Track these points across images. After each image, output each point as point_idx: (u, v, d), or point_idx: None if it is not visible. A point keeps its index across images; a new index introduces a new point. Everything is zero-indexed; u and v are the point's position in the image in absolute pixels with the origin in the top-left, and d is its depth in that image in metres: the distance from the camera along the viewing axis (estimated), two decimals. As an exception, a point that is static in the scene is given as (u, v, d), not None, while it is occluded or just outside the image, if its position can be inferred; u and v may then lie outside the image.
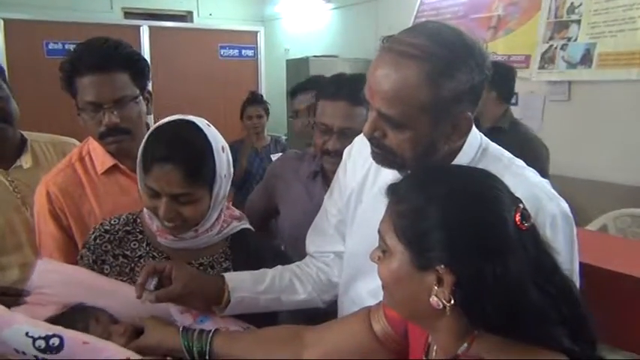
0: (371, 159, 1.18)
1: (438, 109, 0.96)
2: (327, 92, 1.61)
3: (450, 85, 0.94)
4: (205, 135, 1.18)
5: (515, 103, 3.88)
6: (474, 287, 0.73)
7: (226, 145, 1.24)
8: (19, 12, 4.29)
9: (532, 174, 1.07)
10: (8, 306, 1.11)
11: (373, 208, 1.21)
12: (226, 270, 1.30)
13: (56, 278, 1.21)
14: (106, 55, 1.39)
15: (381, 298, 1.19)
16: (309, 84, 2.52)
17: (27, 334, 1.01)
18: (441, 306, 0.75)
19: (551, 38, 3.69)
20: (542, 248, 0.77)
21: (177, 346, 1.09)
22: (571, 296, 0.76)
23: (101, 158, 1.50)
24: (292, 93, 2.62)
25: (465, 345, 0.77)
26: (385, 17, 5.38)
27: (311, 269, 1.37)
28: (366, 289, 1.24)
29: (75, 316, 1.13)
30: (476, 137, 1.09)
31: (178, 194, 1.14)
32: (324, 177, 1.69)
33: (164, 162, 1.13)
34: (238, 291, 1.21)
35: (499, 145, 1.15)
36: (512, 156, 1.12)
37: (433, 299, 0.75)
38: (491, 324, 0.74)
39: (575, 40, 3.56)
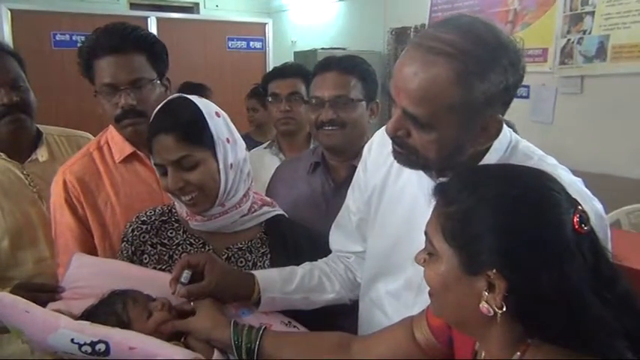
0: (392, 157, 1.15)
1: (468, 111, 0.91)
2: (317, 69, 1.68)
3: (482, 87, 0.89)
4: (193, 102, 1.23)
5: (527, 96, 3.85)
6: (528, 294, 0.70)
7: (223, 113, 1.26)
8: (26, 2, 4.26)
9: (565, 173, 1.02)
10: (44, 303, 1.11)
11: (394, 208, 1.20)
12: (264, 255, 1.31)
13: (91, 272, 1.22)
14: (123, 36, 1.40)
15: (401, 299, 1.18)
16: None
17: (72, 340, 1.00)
18: (492, 313, 0.72)
19: (568, 32, 3.64)
20: (602, 253, 0.74)
21: (225, 337, 1.07)
22: (633, 307, 0.72)
23: (120, 146, 1.50)
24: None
25: (518, 354, 0.74)
26: (394, 9, 5.33)
27: (339, 267, 1.35)
28: (386, 290, 1.23)
29: (112, 299, 1.13)
30: (505, 134, 1.05)
31: (178, 159, 1.17)
32: (325, 168, 1.69)
33: (158, 134, 1.18)
34: (269, 291, 1.19)
35: None
36: (543, 153, 1.08)
37: (483, 305, 0.72)
38: (547, 332, 0.71)
39: (590, 32, 3.51)
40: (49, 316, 1.05)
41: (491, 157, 1.02)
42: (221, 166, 1.21)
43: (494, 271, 0.71)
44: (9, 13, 3.86)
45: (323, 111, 1.60)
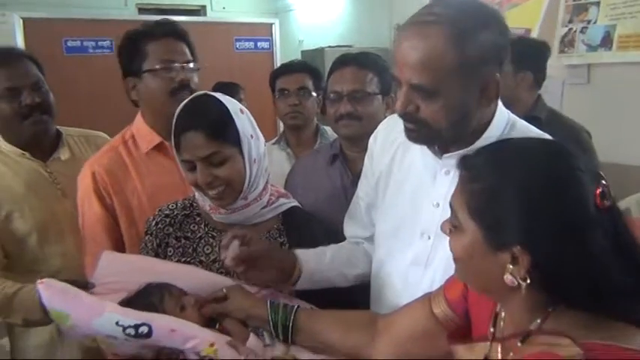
0: (398, 141, 1.23)
1: (466, 70, 0.99)
2: (335, 65, 1.77)
3: (474, 46, 0.98)
4: (219, 100, 1.27)
5: (534, 88, 3.86)
6: (551, 267, 0.73)
7: (246, 110, 1.31)
8: (37, 10, 4.33)
9: None
10: None
11: (400, 188, 1.26)
12: (282, 245, 1.35)
13: (120, 268, 1.26)
14: (173, 26, 1.57)
15: (409, 275, 1.21)
16: None
17: (117, 322, 1.05)
18: (516, 284, 0.75)
19: (570, 21, 3.65)
20: (622, 224, 0.76)
21: (263, 314, 1.14)
22: None
23: (148, 137, 1.57)
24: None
25: (538, 321, 0.77)
26: (399, 5, 5.34)
27: (359, 247, 1.41)
28: (395, 268, 1.27)
29: (149, 290, 1.18)
30: (503, 113, 1.12)
31: (207, 155, 1.21)
32: (343, 160, 1.75)
33: (187, 131, 1.22)
34: (307, 266, 1.25)
35: None
36: (540, 132, 1.13)
37: (507, 277, 0.75)
38: (570, 300, 0.75)
39: (595, 22, 3.52)
40: (96, 301, 1.11)
41: (491, 134, 1.09)
42: (246, 161, 1.26)
43: (518, 246, 0.74)
44: (21, 21, 3.92)
45: (342, 104, 1.67)
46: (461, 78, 1.00)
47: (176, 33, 1.56)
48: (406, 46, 1.02)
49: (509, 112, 1.14)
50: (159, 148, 1.56)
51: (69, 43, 4.12)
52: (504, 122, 1.12)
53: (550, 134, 1.08)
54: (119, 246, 1.52)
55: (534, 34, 3.72)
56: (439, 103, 1.02)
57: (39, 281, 1.12)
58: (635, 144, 3.37)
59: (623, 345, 0.71)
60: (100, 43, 4.16)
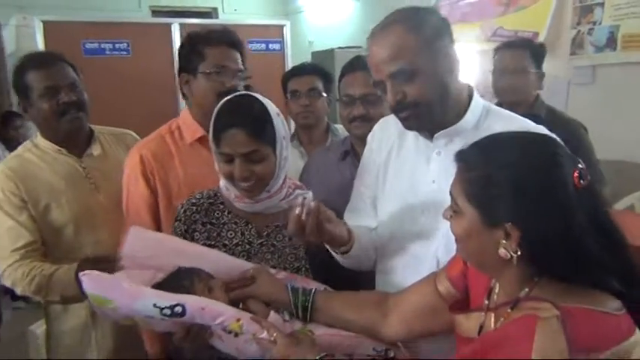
0: (393, 137, 1.40)
1: (429, 45, 1.21)
2: (346, 69, 1.89)
3: (427, 27, 1.22)
4: (261, 101, 1.37)
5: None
6: (538, 241, 0.85)
7: (280, 113, 1.42)
8: (56, 14, 4.44)
9: (534, 126, 1.24)
10: (108, 272, 1.27)
11: (399, 174, 1.41)
12: None
13: (147, 245, 1.37)
14: (234, 36, 1.73)
15: (413, 253, 1.34)
16: None
17: (155, 304, 1.16)
18: (509, 256, 0.87)
19: (578, 23, 3.73)
20: (600, 204, 0.89)
21: (285, 298, 1.27)
22: (624, 250, 0.88)
23: (193, 128, 1.72)
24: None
25: (526, 290, 0.90)
26: (409, 5, 5.42)
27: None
28: (399, 247, 1.38)
29: (180, 274, 1.30)
30: (478, 101, 1.32)
31: (248, 152, 1.32)
32: (354, 155, 1.87)
33: (231, 127, 1.31)
34: (356, 230, 1.36)
35: None
36: (514, 114, 1.33)
37: (502, 251, 0.88)
38: (554, 270, 0.87)
39: (600, 23, 3.59)
40: (134, 287, 1.21)
41: (469, 117, 1.28)
42: (278, 160, 1.38)
43: (509, 223, 0.86)
44: (41, 24, 4.03)
45: (354, 107, 1.80)
46: (428, 53, 1.21)
47: (233, 42, 1.71)
48: (376, 49, 1.23)
49: (484, 101, 1.34)
50: (201, 140, 1.70)
51: (87, 45, 4.20)
52: (480, 107, 1.31)
53: (549, 130, 1.19)
54: (159, 227, 1.65)
55: (542, 37, 3.81)
56: (421, 80, 1.21)
57: (81, 273, 1.24)
58: (638, 141, 3.44)
59: (596, 308, 0.83)
60: (117, 45, 4.26)
